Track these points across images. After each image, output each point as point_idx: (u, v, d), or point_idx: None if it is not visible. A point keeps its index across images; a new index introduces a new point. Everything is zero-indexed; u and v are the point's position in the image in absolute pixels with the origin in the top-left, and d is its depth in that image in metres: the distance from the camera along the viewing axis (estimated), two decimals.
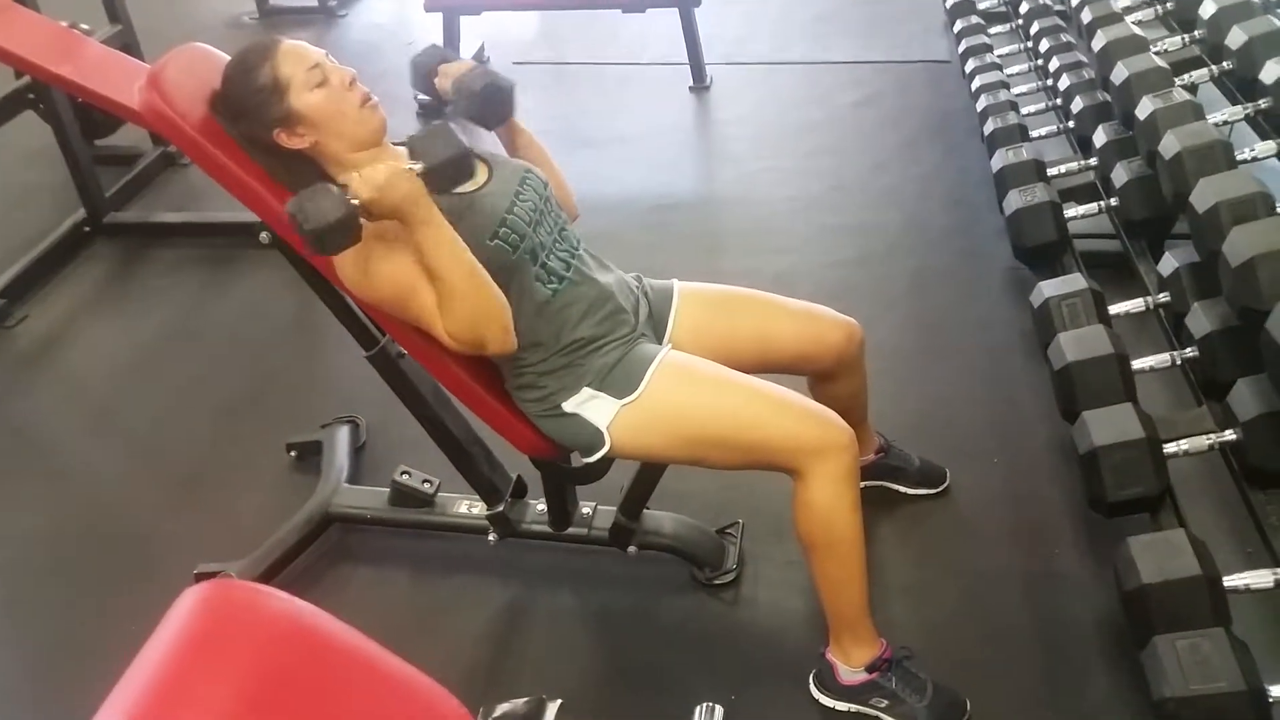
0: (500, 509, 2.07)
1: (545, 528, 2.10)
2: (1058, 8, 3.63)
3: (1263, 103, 2.32)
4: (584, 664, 1.99)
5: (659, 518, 2.11)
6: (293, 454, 2.49)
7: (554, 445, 1.82)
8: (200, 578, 2.12)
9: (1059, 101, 3.17)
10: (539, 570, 2.16)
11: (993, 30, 3.91)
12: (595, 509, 2.12)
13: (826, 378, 1.98)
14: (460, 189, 1.66)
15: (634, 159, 3.81)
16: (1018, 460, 2.32)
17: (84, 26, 3.41)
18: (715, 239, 3.33)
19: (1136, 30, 2.77)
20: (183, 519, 2.37)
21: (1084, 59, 3.15)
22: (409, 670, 0.99)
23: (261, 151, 1.69)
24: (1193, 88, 2.60)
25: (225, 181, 1.71)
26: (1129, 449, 1.86)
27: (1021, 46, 3.72)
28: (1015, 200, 2.72)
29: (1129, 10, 3.08)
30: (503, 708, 1.16)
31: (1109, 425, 1.91)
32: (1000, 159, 2.92)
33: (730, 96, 4.22)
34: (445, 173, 1.56)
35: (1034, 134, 3.11)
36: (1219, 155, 2.13)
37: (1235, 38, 2.42)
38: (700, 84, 4.27)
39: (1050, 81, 3.27)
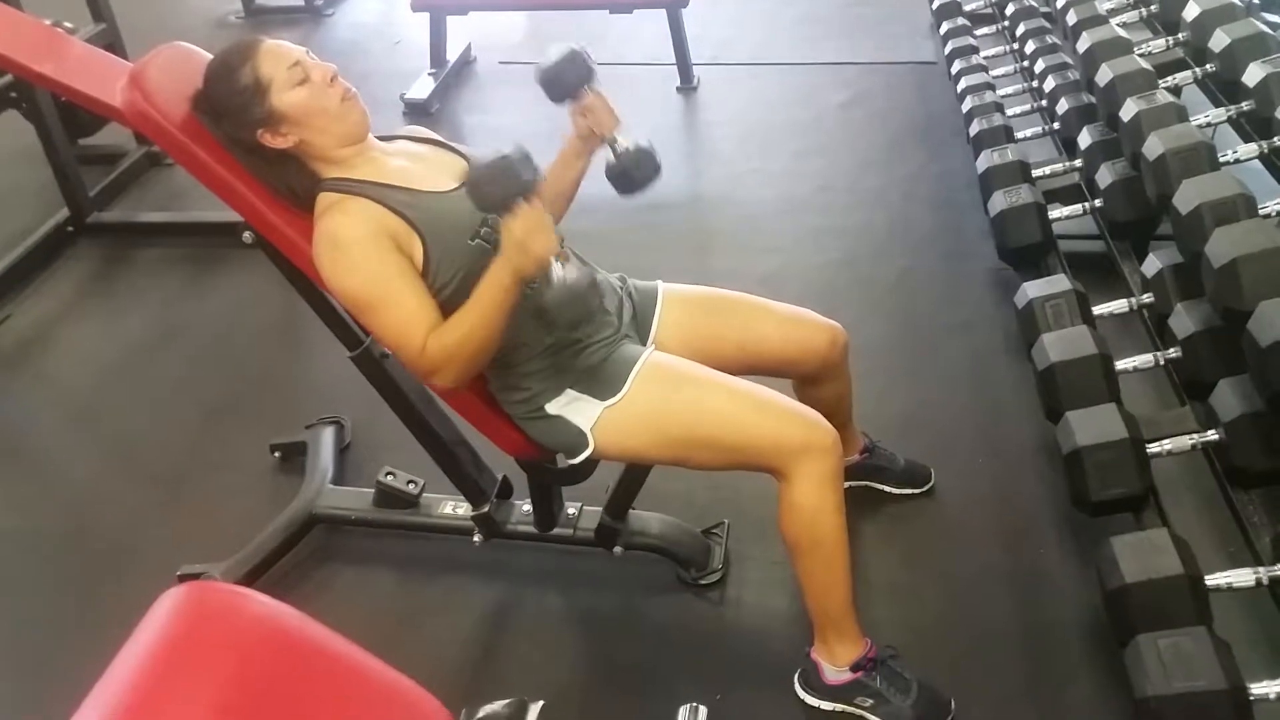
0: (485, 510, 2.06)
1: (531, 528, 2.09)
2: (1043, 10, 3.64)
3: (1245, 105, 2.33)
4: (569, 665, 1.99)
5: (645, 518, 2.11)
6: (277, 455, 2.48)
7: (539, 447, 1.82)
8: (183, 579, 2.11)
9: (1044, 103, 3.18)
10: (524, 571, 2.16)
11: (979, 32, 3.91)
12: (581, 509, 2.12)
13: (811, 381, 1.98)
14: (438, 188, 1.66)
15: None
16: (1002, 460, 2.33)
17: (68, 25, 3.40)
18: (703, 239, 3.33)
19: (1121, 33, 2.78)
20: (165, 520, 2.36)
21: (1069, 61, 3.16)
22: (390, 673, 0.99)
23: (245, 151, 1.68)
24: (1177, 90, 2.62)
25: (208, 181, 1.71)
26: (1112, 449, 1.87)
27: (1007, 48, 3.73)
28: (1000, 201, 2.73)
29: (1114, 13, 3.10)
30: (485, 709, 1.15)
31: (1092, 425, 1.92)
32: (985, 160, 2.92)
33: (717, 97, 4.23)
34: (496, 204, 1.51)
35: (1019, 135, 3.12)
36: (1202, 157, 2.14)
37: (1218, 40, 2.43)
38: (687, 84, 4.27)
39: (1036, 83, 3.28)
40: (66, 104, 3.32)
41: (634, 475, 1.98)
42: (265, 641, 0.93)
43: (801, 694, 1.84)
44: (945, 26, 3.96)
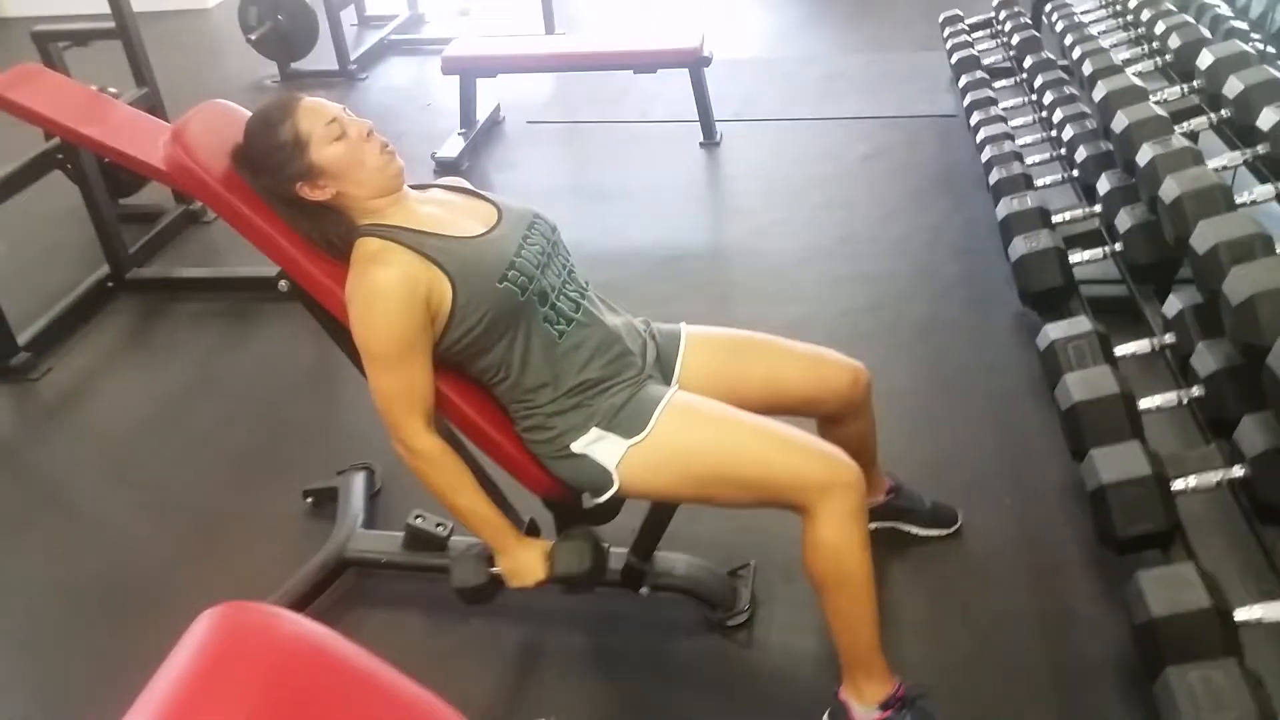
0: None
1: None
2: (1061, 63, 3.69)
3: (1261, 148, 2.36)
4: (597, 706, 1.99)
5: (671, 559, 2.12)
6: (309, 501, 2.52)
7: (564, 486, 1.84)
8: None
9: (1063, 151, 3.22)
10: (552, 612, 2.17)
11: (997, 84, 3.98)
12: (607, 550, 2.13)
13: (835, 420, 2.00)
14: (468, 233, 1.72)
15: (646, 212, 3.88)
16: (1029, 501, 2.33)
17: (112, 90, 3.53)
18: (726, 289, 3.37)
19: (1137, 81, 2.82)
20: (200, 567, 2.40)
21: (1087, 110, 3.21)
22: (422, 693, 1.01)
23: (283, 204, 1.75)
24: (1193, 135, 2.65)
25: (247, 232, 1.77)
26: (1137, 485, 1.87)
27: (1026, 99, 3.78)
28: (1020, 246, 2.76)
29: (1129, 63, 3.15)
30: None
31: (1117, 462, 1.92)
32: (1005, 207, 2.96)
33: (740, 152, 4.30)
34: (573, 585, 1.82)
35: (1039, 183, 3.16)
36: (1218, 198, 2.16)
37: (1232, 86, 2.47)
38: (710, 140, 4.35)
39: (1054, 132, 3.32)
40: (109, 165, 3.44)
41: (659, 514, 2.00)
42: (301, 659, 0.96)
43: None
44: (964, 79, 4.03)
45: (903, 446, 2.38)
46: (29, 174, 3.25)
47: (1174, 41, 3.00)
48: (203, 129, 1.79)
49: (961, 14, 4.76)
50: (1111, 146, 2.81)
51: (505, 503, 2.07)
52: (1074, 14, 3.73)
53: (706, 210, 4.01)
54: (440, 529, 2.22)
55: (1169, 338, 2.29)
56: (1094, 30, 3.54)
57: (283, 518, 2.52)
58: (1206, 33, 3.01)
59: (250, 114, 1.80)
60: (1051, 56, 3.74)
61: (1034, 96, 3.65)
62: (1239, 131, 2.53)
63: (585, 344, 1.76)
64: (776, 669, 2.03)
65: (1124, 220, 2.59)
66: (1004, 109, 3.72)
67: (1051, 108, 3.35)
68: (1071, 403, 2.10)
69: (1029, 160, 3.30)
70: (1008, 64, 4.17)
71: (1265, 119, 2.30)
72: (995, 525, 2.27)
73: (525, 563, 1.79)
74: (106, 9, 3.63)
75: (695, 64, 4.18)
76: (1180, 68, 2.98)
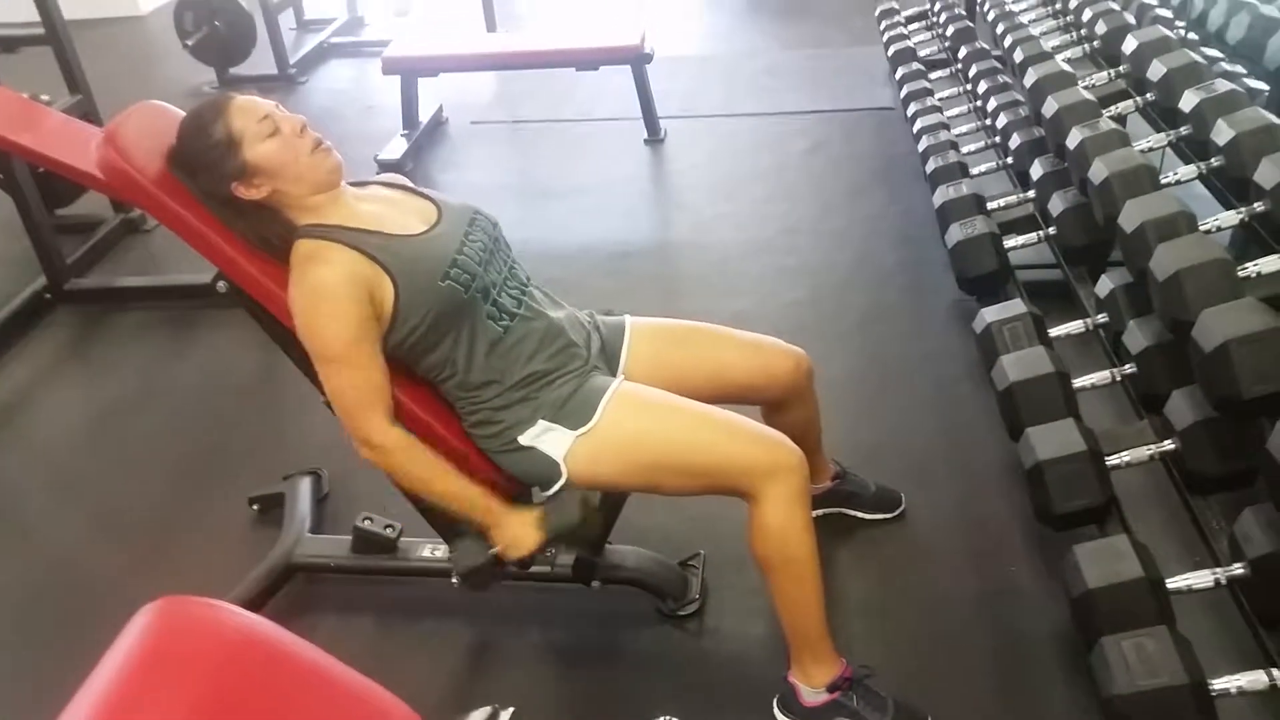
0: None
1: (509, 567, 2.11)
2: (995, 52, 3.76)
3: (1183, 129, 2.42)
4: (551, 700, 2.00)
5: (622, 552, 2.13)
6: (255, 508, 2.49)
7: (514, 481, 1.85)
8: None
9: (998, 139, 3.28)
10: (504, 610, 2.17)
11: (933, 76, 4.05)
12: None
13: (778, 406, 2.03)
14: (409, 231, 1.72)
15: (592, 210, 3.89)
16: (971, 482, 2.37)
17: (44, 97, 3.47)
18: (673, 283, 3.39)
19: (1066, 67, 2.89)
20: (145, 575, 2.36)
21: (1020, 98, 3.27)
22: (365, 682, 1.02)
23: (219, 204, 1.73)
24: (1120, 119, 2.72)
25: (183, 233, 1.75)
26: (1072, 461, 1.92)
27: (961, 89, 3.85)
28: (956, 233, 2.81)
29: (1059, 50, 3.22)
30: None
31: (1052, 440, 1.97)
32: (941, 195, 3.01)
33: (684, 148, 4.33)
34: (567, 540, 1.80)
35: (975, 171, 3.22)
36: (1144, 179, 2.22)
37: (1155, 70, 2.54)
38: (654, 137, 4.38)
39: (989, 121, 3.39)
40: (44, 174, 3.38)
41: (608, 507, 2.01)
42: (240, 651, 0.96)
43: (780, 717, 1.85)
44: (901, 71, 4.09)
45: (847, 433, 2.42)
46: None
47: (1100, 28, 3.07)
48: (136, 131, 1.77)
49: (897, 6, 4.83)
50: (1043, 132, 2.87)
51: None
52: (1006, 4, 3.80)
53: (652, 206, 4.03)
54: (389, 530, 2.21)
55: (1101, 317, 2.35)
56: (1025, 19, 3.61)
57: (229, 525, 2.49)
58: (1131, 19, 3.08)
59: (184, 114, 1.78)
60: (985, 46, 3.81)
61: (969, 86, 3.72)
62: (1163, 114, 2.60)
63: (529, 338, 1.77)
64: (728, 655, 2.05)
65: (1056, 204, 2.65)
66: (940, 99, 3.79)
67: (986, 97, 3.42)
68: (1007, 383, 2.15)
69: (965, 149, 3.37)
70: (943, 55, 4.24)
71: (1186, 101, 2.37)
72: (938, 507, 2.31)
73: (519, 530, 1.74)
74: (35, 16, 3.56)
75: (637, 61, 4.20)
76: (1107, 53, 3.05)
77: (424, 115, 4.56)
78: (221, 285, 1.82)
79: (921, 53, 4.31)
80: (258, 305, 1.80)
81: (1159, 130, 2.56)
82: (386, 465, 1.72)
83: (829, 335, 2.95)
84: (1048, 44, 3.23)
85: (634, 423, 1.75)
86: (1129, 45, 2.74)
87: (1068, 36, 3.47)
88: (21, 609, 2.33)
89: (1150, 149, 2.50)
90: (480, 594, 1.86)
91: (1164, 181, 2.29)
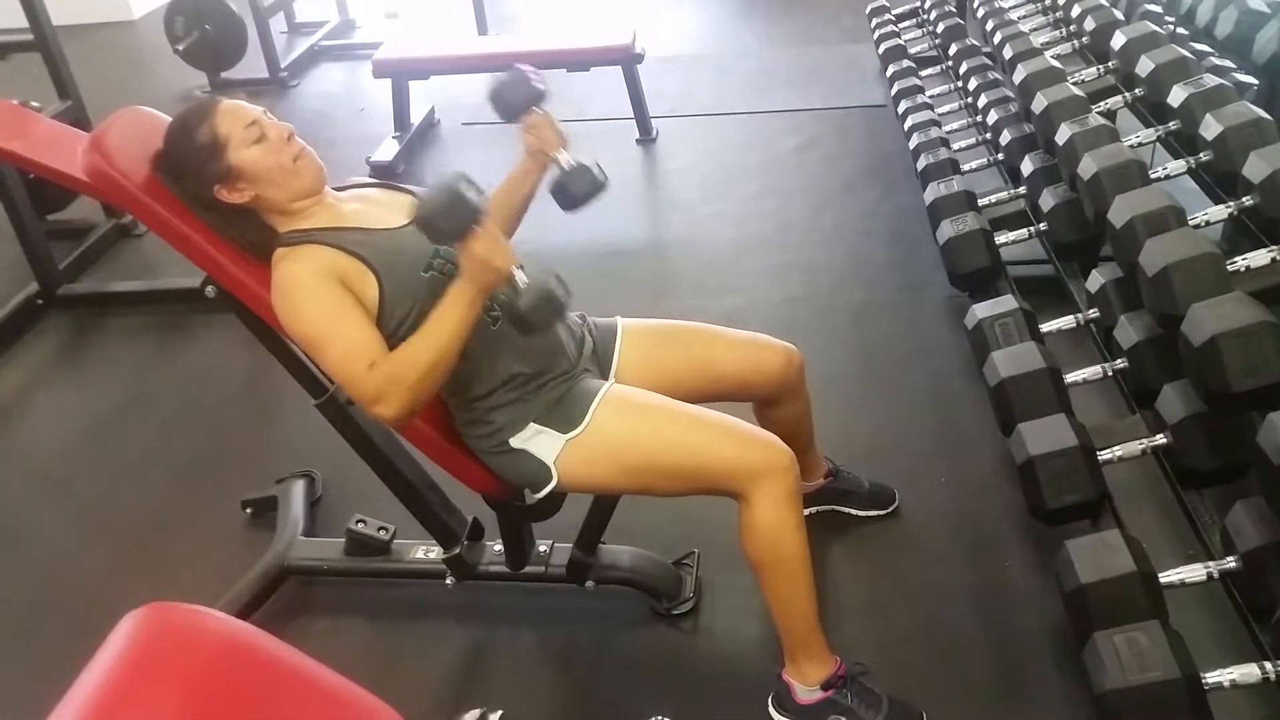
0: (457, 551, 2.08)
1: (503, 568, 2.11)
2: (985, 49, 3.77)
3: (1172, 125, 2.43)
4: (546, 700, 2.00)
5: (616, 552, 2.13)
6: (248, 511, 2.49)
7: (505, 483, 1.85)
8: None
9: (989, 136, 3.28)
10: (499, 610, 2.17)
11: (924, 73, 4.05)
12: (552, 546, 2.15)
13: (770, 403, 2.03)
14: (390, 225, 1.72)
15: (584, 209, 3.87)
16: (964, 478, 2.37)
17: (35, 104, 3.46)
18: (665, 281, 3.39)
19: (1055, 63, 2.89)
20: (138, 580, 2.35)
21: (1010, 95, 3.28)
22: (350, 686, 1.01)
23: (204, 208, 1.73)
24: (1110, 114, 2.71)
25: (170, 237, 1.75)
26: (1064, 456, 1.92)
27: (952, 86, 3.85)
28: (948, 230, 2.81)
29: (1048, 46, 3.23)
30: None
31: (1044, 435, 1.97)
32: (933, 191, 3.01)
33: (676, 147, 4.33)
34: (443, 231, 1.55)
35: (966, 167, 3.22)
36: (1133, 174, 2.22)
37: (1144, 66, 2.54)
38: (646, 136, 4.38)
39: (980, 118, 3.39)
40: (34, 180, 3.37)
41: (602, 508, 2.01)
42: (227, 657, 0.95)
43: (775, 716, 1.85)
44: (892, 69, 4.09)
45: (840, 430, 2.42)
46: None
47: (1089, 24, 3.07)
48: (122, 136, 1.76)
49: (888, 4, 4.83)
50: (1034, 128, 2.87)
51: (449, 505, 2.09)
52: (996, 0, 3.81)
53: (644, 205, 4.03)
54: (382, 533, 2.21)
55: (1093, 312, 2.35)
56: (1015, 16, 3.62)
57: (222, 529, 2.49)
58: (1120, 15, 3.09)
59: (170, 119, 1.78)
60: (976, 43, 3.81)
61: (959, 83, 3.72)
62: (1152, 109, 2.60)
63: (514, 332, 1.75)
64: (722, 654, 2.04)
65: (1047, 200, 2.66)
66: (931, 96, 3.79)
67: (976, 93, 3.42)
68: (999, 379, 2.15)
69: (956, 146, 3.37)
70: (934, 52, 4.25)
71: (1175, 96, 2.37)
72: (932, 503, 2.31)
73: (483, 252, 1.55)
74: (24, 22, 3.55)
75: (628, 61, 4.20)
76: (1096, 49, 3.06)
77: (415, 117, 4.56)
78: (210, 290, 1.81)
79: (912, 50, 4.31)
80: (246, 308, 1.80)
81: (1148, 125, 2.57)
82: (403, 403, 1.59)
83: (821, 332, 2.95)
84: (1037, 40, 3.23)
85: (624, 426, 1.74)
86: (1118, 41, 2.75)
87: (1057, 33, 3.48)
88: (12, 614, 2.32)
89: (1139, 144, 2.50)
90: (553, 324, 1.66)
91: (1153, 176, 2.29)
